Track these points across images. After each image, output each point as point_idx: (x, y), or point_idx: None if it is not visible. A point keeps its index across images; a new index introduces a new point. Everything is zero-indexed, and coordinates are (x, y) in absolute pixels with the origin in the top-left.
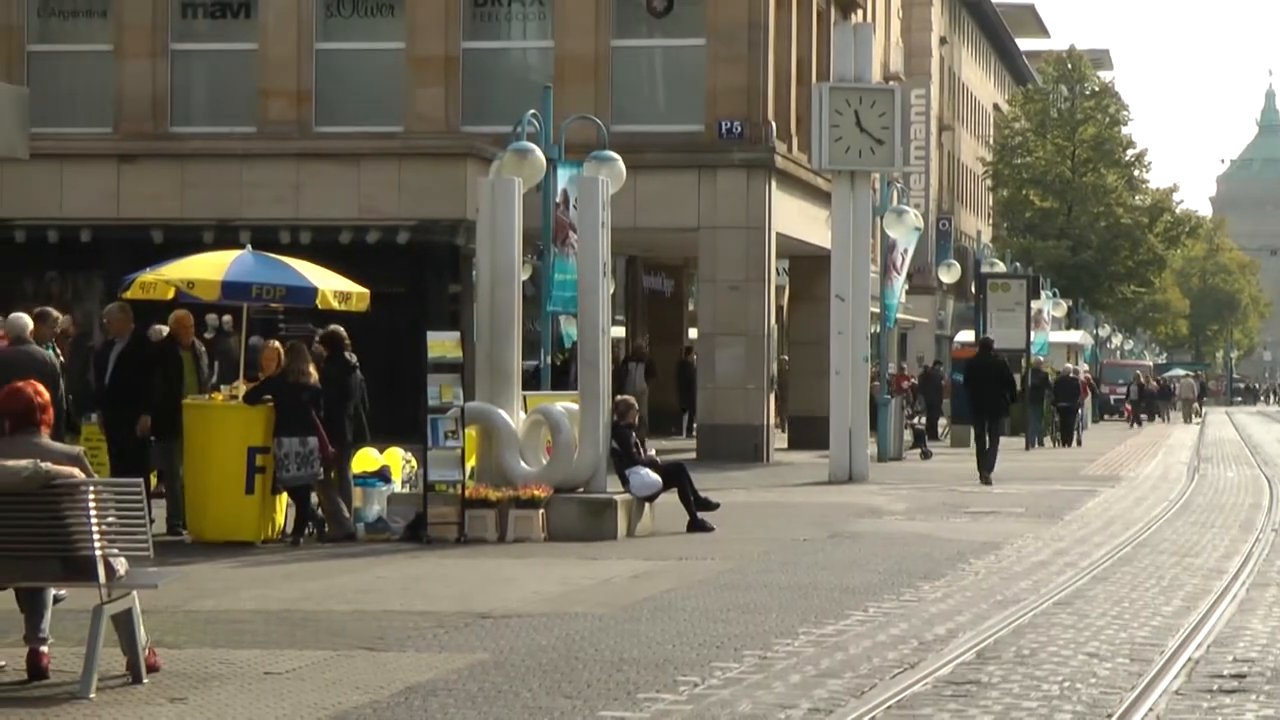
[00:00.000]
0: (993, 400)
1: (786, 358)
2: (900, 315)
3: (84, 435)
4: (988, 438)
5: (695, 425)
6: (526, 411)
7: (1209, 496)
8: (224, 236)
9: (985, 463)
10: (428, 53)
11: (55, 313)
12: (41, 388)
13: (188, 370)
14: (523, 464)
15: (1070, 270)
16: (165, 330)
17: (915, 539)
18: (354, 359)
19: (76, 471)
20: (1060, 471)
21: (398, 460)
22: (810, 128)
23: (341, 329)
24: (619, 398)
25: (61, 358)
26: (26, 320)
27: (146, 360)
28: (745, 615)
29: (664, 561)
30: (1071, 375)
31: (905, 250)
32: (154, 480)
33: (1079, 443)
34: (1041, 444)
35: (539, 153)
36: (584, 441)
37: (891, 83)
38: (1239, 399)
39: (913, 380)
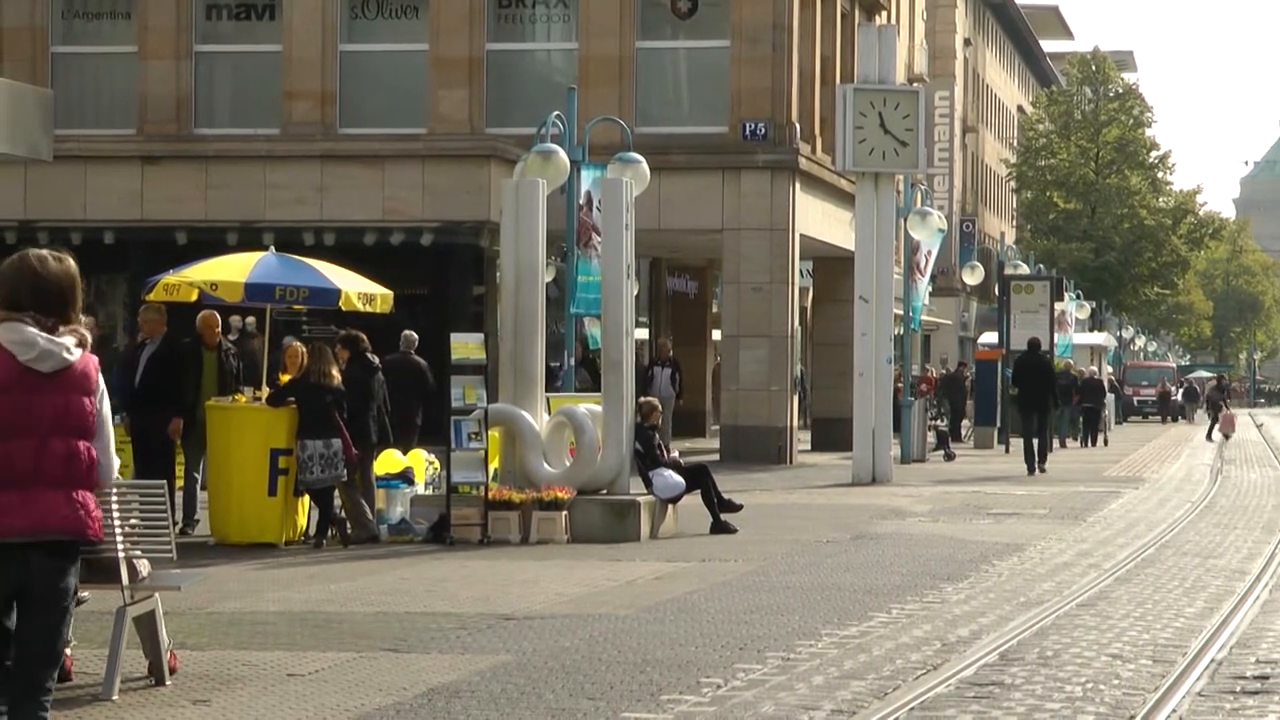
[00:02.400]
0: (1039, 396)
1: (803, 368)
2: (924, 317)
3: None
4: (1035, 432)
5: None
6: (550, 413)
7: (1232, 498)
8: (248, 238)
9: (1034, 455)
10: (452, 54)
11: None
12: None
13: (212, 371)
14: (546, 466)
15: (1094, 272)
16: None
17: (938, 540)
18: (375, 360)
19: None
20: (1083, 473)
21: (421, 462)
22: (834, 129)
23: (359, 332)
24: (642, 400)
25: None
26: None
27: (178, 362)
28: (768, 616)
29: (687, 563)
30: (1097, 377)
31: (929, 252)
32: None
33: (1105, 442)
34: (1064, 445)
35: (563, 154)
36: (607, 443)
37: (915, 84)
38: (1262, 400)
39: (933, 378)
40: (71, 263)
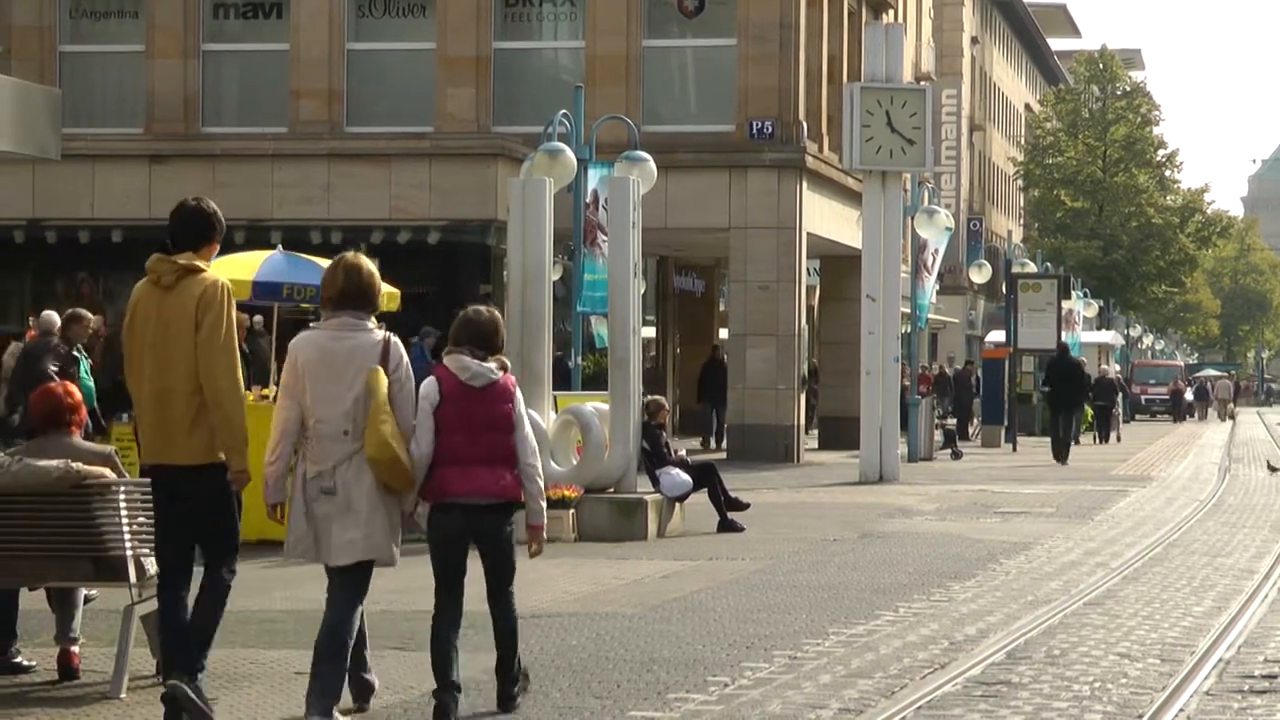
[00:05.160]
0: (1068, 396)
1: (816, 360)
2: (931, 316)
3: (114, 435)
4: (1062, 428)
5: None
6: (557, 412)
7: (1240, 497)
8: (255, 237)
9: (1061, 447)
10: (459, 53)
11: (87, 314)
12: (73, 388)
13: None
14: (553, 464)
15: (1101, 270)
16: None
17: (946, 539)
18: None
19: (108, 471)
20: (1091, 471)
21: None
22: (841, 128)
23: None
24: (649, 398)
25: (90, 359)
26: (56, 318)
27: None
28: (775, 615)
29: (694, 561)
30: (1110, 376)
31: (936, 250)
32: None
33: (1118, 439)
34: (1078, 441)
35: (570, 153)
36: (614, 441)
37: (923, 83)
38: (1271, 399)
39: (929, 376)
40: (496, 313)
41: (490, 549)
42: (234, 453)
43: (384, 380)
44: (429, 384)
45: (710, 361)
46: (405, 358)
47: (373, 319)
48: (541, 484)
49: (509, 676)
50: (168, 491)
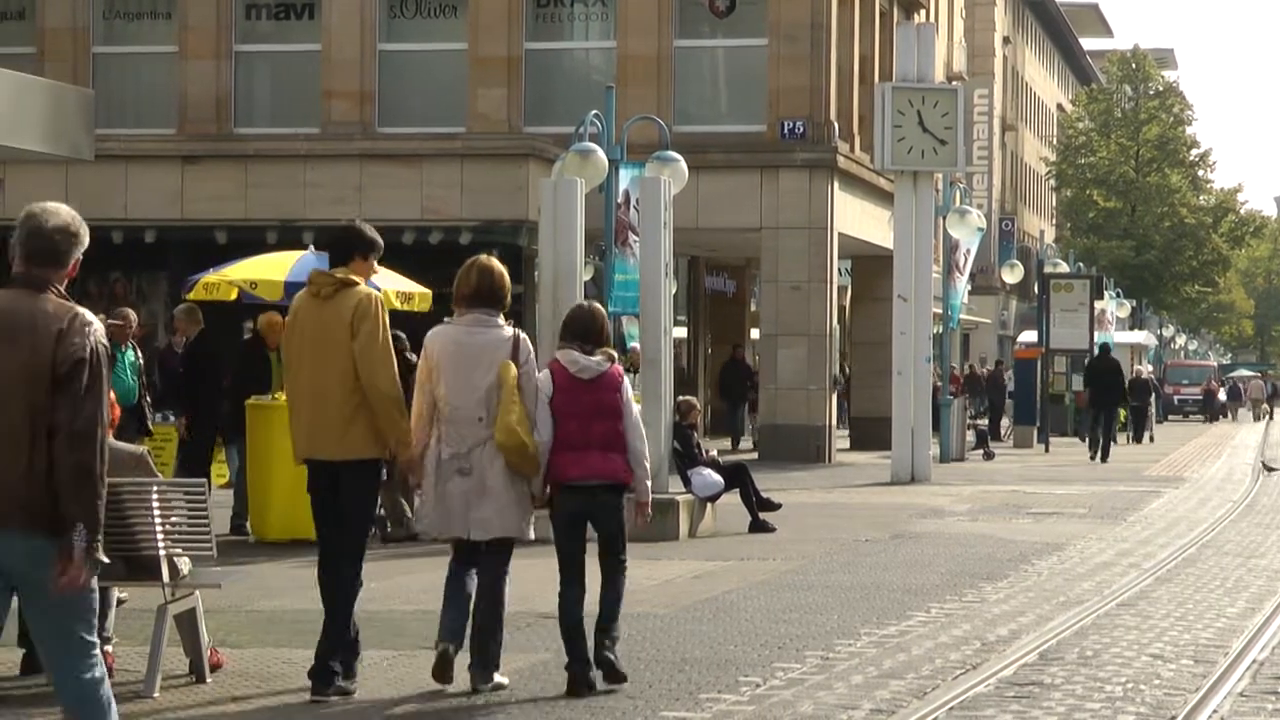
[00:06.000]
0: (1108, 395)
1: (846, 368)
2: (963, 316)
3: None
4: (1103, 427)
5: (751, 427)
6: None
7: (1274, 498)
8: (287, 237)
9: (1100, 444)
10: (490, 53)
11: (130, 313)
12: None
13: (277, 371)
14: None
15: (1134, 270)
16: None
17: (978, 540)
18: (415, 359)
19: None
20: (1123, 472)
21: None
22: (873, 128)
23: (399, 331)
24: (680, 398)
25: (140, 360)
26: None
27: (206, 362)
28: (807, 616)
29: (725, 562)
30: (1145, 376)
31: (968, 250)
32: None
33: (1151, 439)
34: (1114, 441)
35: (601, 153)
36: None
37: (954, 82)
38: None
39: (957, 376)
40: (599, 308)
41: (603, 525)
42: (401, 445)
43: (514, 372)
44: (543, 377)
45: (730, 361)
46: (532, 352)
47: (502, 316)
48: (648, 466)
49: (610, 638)
50: (325, 482)
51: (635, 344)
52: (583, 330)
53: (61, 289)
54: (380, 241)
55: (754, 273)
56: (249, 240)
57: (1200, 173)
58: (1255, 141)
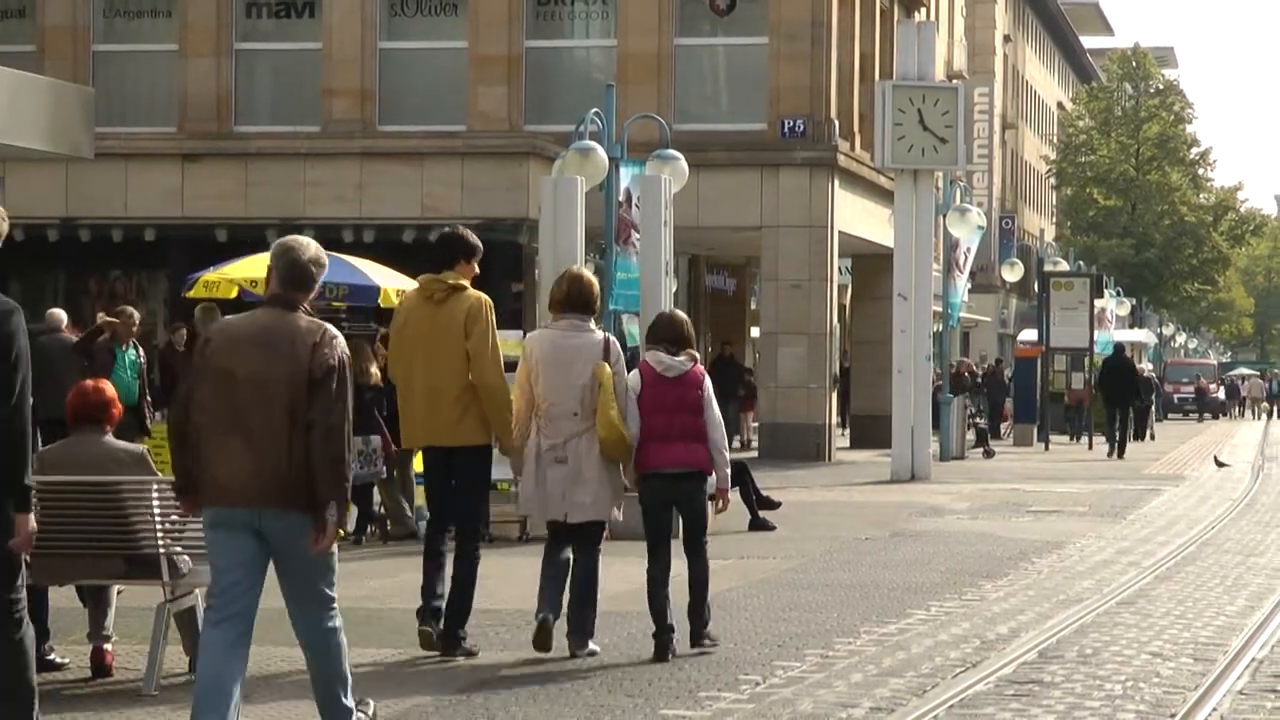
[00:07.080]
0: (1122, 392)
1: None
2: (963, 314)
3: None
4: (1119, 422)
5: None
6: None
7: (1273, 496)
8: (287, 235)
9: (1116, 440)
10: (491, 52)
11: (134, 312)
12: (105, 385)
13: None
14: None
15: (1134, 269)
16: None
17: (977, 538)
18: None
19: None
20: (1123, 470)
21: None
22: (873, 126)
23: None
24: None
25: (143, 359)
26: (62, 315)
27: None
28: (807, 614)
29: (725, 560)
30: (1147, 374)
31: (968, 249)
32: None
33: (1153, 437)
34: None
35: (601, 151)
36: None
37: (955, 81)
38: None
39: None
40: (681, 315)
41: (686, 509)
42: (505, 433)
43: (609, 372)
44: (633, 375)
45: (719, 359)
46: (622, 354)
47: (592, 320)
48: (727, 455)
49: (700, 618)
50: (440, 468)
51: (636, 343)
52: (668, 334)
53: (308, 307)
54: (480, 245)
55: (754, 271)
56: (249, 239)
57: (1200, 171)
58: (1255, 140)
